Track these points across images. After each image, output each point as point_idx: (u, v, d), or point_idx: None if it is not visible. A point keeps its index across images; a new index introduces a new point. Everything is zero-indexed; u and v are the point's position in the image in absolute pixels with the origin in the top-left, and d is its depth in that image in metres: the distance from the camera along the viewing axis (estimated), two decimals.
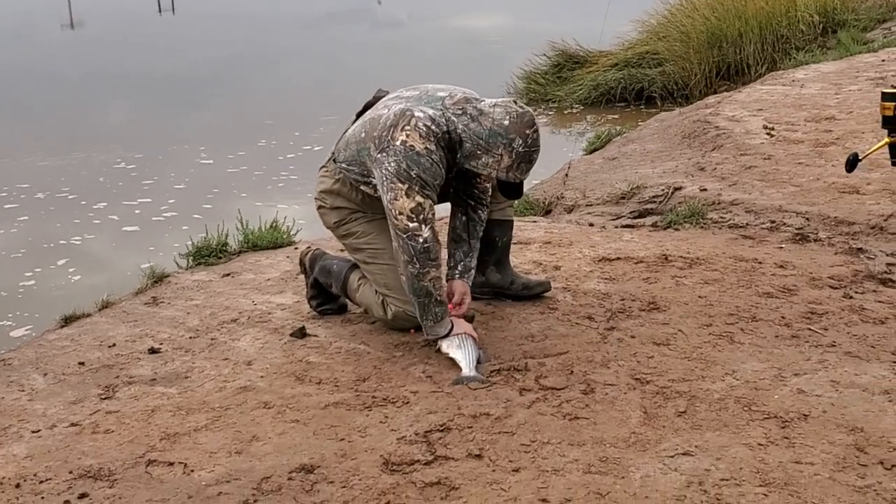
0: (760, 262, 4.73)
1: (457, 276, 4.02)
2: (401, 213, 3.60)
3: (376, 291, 3.97)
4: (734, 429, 3.18)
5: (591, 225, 5.82)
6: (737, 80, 12.95)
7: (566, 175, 7.11)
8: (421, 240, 3.60)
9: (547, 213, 6.55)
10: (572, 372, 3.59)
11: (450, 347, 3.72)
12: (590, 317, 4.09)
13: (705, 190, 6.06)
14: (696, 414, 3.28)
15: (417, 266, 3.63)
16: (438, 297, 3.71)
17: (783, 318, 4.04)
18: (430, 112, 3.64)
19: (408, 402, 3.43)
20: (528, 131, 3.59)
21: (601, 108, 12.94)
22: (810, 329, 3.94)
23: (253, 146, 10.87)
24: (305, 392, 3.56)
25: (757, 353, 3.73)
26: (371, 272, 3.97)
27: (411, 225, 3.60)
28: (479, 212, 4.03)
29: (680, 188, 6.16)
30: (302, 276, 4.43)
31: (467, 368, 3.61)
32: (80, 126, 13.18)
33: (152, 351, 4.08)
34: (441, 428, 3.24)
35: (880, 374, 3.53)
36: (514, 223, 4.36)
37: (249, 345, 4.05)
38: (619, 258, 4.83)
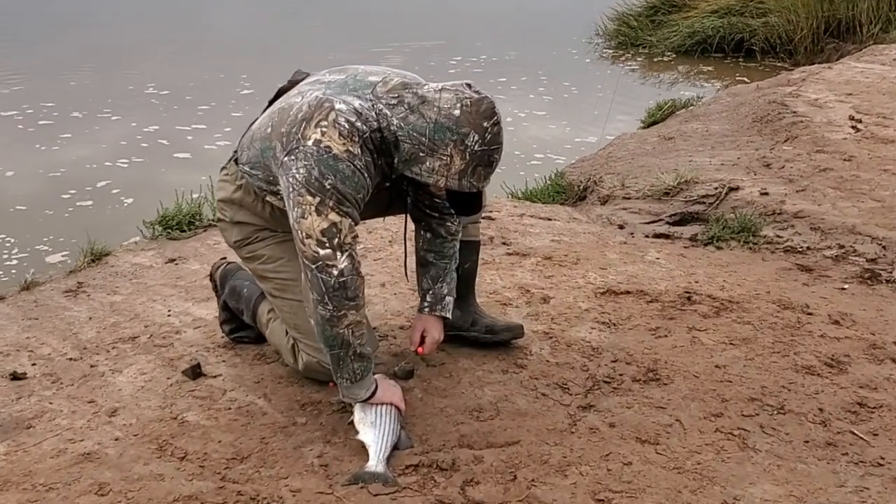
0: (811, 313, 3.69)
1: (425, 309, 3.14)
2: (308, 237, 2.67)
3: (286, 332, 3.07)
4: None
5: (621, 227, 4.82)
6: (846, 39, 11.81)
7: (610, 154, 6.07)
8: (335, 272, 2.67)
9: (580, 199, 5.55)
10: (515, 478, 2.66)
11: (362, 423, 2.82)
12: (564, 386, 3.13)
13: (766, 194, 5.00)
14: None
15: (330, 308, 2.70)
16: (359, 350, 2.78)
17: (821, 410, 3.03)
18: (356, 104, 2.68)
19: None
20: (485, 124, 2.62)
21: (695, 58, 12.12)
22: (853, 433, 2.92)
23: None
24: (158, 473, 2.69)
25: (774, 468, 2.74)
26: (280, 308, 3.07)
27: (322, 252, 2.67)
28: (448, 223, 3.11)
29: (736, 188, 5.10)
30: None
31: (375, 460, 2.70)
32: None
33: (14, 377, 3.27)
34: None
35: None
36: (481, 245, 3.41)
37: (129, 382, 3.20)
38: (628, 292, 3.83)
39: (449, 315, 3.17)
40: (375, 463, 2.69)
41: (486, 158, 2.66)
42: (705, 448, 2.82)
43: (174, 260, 4.43)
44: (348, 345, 2.76)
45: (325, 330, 2.76)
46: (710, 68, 11.61)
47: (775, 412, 3.01)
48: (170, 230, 4.88)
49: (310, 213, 2.65)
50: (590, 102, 9.83)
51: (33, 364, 3.37)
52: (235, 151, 3.03)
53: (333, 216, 2.65)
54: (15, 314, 3.85)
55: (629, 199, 5.27)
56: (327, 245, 2.66)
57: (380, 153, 2.72)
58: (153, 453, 2.78)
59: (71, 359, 3.39)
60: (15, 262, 5.31)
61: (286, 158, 2.70)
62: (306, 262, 2.71)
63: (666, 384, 3.15)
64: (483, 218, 4.03)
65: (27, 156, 7.45)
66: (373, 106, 2.70)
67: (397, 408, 2.86)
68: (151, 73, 10.31)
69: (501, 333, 3.33)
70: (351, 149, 2.64)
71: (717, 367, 3.26)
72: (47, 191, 6.58)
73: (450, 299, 3.17)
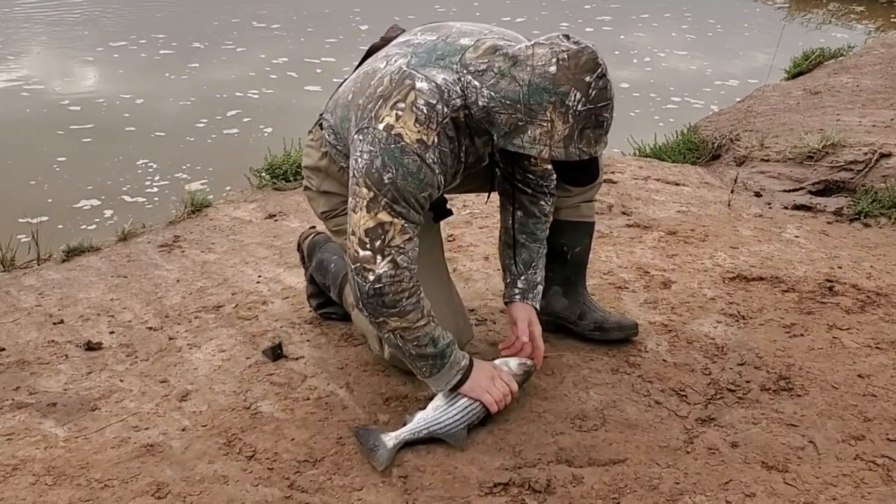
0: None
1: (516, 297, 2.80)
2: (353, 234, 2.39)
3: None
4: None
5: (758, 195, 4.38)
6: None
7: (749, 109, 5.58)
8: (371, 277, 2.38)
9: (714, 158, 5.11)
10: None
11: (432, 403, 2.60)
12: (681, 392, 2.77)
13: None
14: None
15: (366, 313, 2.45)
16: (414, 352, 2.50)
17: None
18: (440, 79, 2.34)
19: None
20: (588, 78, 2.22)
21: None
22: None
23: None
24: (222, 473, 2.45)
25: None
26: None
27: (361, 253, 2.37)
28: (542, 202, 2.77)
29: (889, 155, 4.58)
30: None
31: (394, 435, 2.51)
32: None
33: (89, 347, 3.08)
34: None
35: None
36: (595, 225, 3.04)
37: (206, 360, 2.97)
38: (761, 278, 3.42)
39: (538, 305, 2.83)
40: (391, 438, 2.49)
41: (594, 119, 2.26)
42: (842, 480, 2.43)
43: (274, 216, 4.21)
44: (398, 348, 2.51)
45: (375, 331, 2.54)
46: (861, 8, 11.02)
47: None
48: (276, 179, 4.68)
49: (360, 208, 2.37)
50: (735, 42, 9.29)
51: (111, 332, 3.18)
52: (322, 115, 2.73)
53: (384, 216, 2.34)
54: (106, 269, 3.69)
55: (768, 161, 4.81)
56: (368, 246, 2.37)
57: (470, 133, 2.39)
58: (220, 449, 2.55)
59: (150, 328, 3.19)
60: (156, 189, 5.34)
61: (357, 136, 2.41)
62: (347, 261, 2.45)
63: (800, 396, 2.76)
64: (603, 181, 3.66)
65: (155, 84, 7.44)
66: (459, 78, 2.35)
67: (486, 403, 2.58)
68: (256, 6, 10.13)
69: (612, 332, 2.97)
70: (425, 138, 2.31)
71: (859, 376, 2.85)
72: (182, 118, 6.58)
73: (541, 287, 2.83)
